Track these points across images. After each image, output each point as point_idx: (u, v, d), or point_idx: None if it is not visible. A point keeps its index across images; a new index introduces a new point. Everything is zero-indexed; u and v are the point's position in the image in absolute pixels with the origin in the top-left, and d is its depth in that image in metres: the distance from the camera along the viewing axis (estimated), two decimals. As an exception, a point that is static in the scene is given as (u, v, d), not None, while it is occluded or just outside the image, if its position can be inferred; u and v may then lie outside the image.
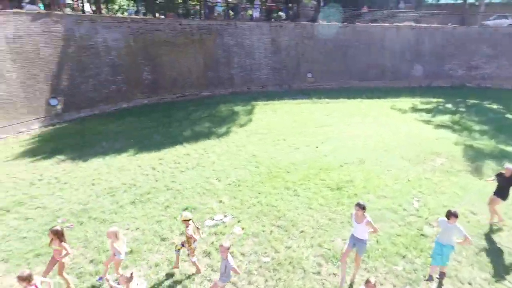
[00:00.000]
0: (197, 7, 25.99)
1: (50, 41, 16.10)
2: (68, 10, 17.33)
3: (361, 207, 6.30)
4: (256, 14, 24.97)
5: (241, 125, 16.86)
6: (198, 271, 6.80)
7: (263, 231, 8.30)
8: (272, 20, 24.62)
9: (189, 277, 6.76)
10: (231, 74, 23.52)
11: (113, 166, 11.86)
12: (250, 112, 19.28)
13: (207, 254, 7.41)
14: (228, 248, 5.67)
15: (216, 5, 23.96)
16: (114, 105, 18.93)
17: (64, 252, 6.05)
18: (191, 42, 21.49)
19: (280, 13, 26.98)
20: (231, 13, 26.17)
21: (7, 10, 14.64)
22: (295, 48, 24.28)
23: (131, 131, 15.65)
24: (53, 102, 16.35)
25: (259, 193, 10.13)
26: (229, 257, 5.73)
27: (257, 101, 21.29)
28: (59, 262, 6.06)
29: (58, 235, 5.95)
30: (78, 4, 17.91)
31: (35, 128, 15.43)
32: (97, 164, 12.01)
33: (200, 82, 22.45)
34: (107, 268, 6.43)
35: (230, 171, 11.62)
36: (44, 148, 13.40)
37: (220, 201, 9.67)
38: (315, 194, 10.11)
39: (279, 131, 15.78)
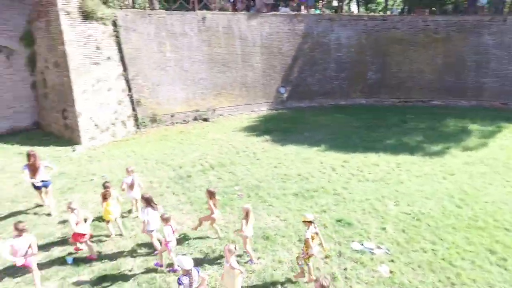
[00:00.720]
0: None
1: (292, 38, 18.60)
2: (313, 11, 19.28)
3: None
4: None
5: (466, 148, 13.12)
6: (310, 280, 6.13)
7: (418, 288, 6.25)
8: None
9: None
10: (481, 83, 18.48)
11: (300, 155, 12.48)
12: (489, 134, 14.62)
13: (333, 278, 6.47)
14: None
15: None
16: (332, 100, 19.65)
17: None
18: (432, 41, 18.47)
19: None
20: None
21: (267, 13, 18.11)
22: None
23: (334, 127, 15.80)
24: (282, 90, 19.04)
25: (441, 240, 7.63)
26: None
27: (509, 123, 15.77)
28: (210, 216, 7.27)
29: (210, 195, 7.08)
30: (323, 5, 19.54)
31: (263, 110, 18.67)
32: (289, 150, 13.04)
33: (433, 88, 19.14)
34: (245, 246, 7.00)
35: (416, 198, 9.42)
36: (260, 126, 16.02)
37: (383, 229, 8.07)
38: (539, 278, 6.44)
39: (524, 169, 11.04)
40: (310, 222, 5.97)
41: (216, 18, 16.91)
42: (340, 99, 19.77)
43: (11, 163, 11.61)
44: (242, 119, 17.39)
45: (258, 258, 7.00)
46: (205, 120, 17.11)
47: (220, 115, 17.76)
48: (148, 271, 6.56)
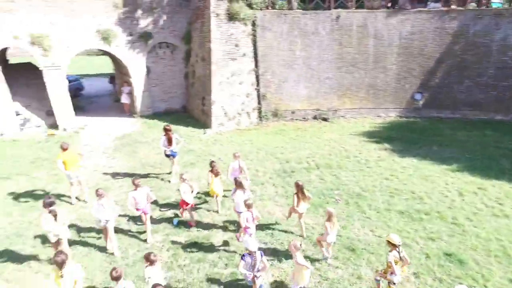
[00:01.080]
0: None
1: (439, 38, 16.12)
2: (472, 6, 16.02)
3: None
4: None
5: None
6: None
7: None
8: None
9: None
10: None
11: (421, 171, 10.90)
12: None
13: (419, 316, 5.55)
14: None
15: None
16: (483, 113, 16.16)
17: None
18: None
19: None
20: None
21: (410, 10, 16.24)
22: None
23: (476, 145, 13.04)
24: (417, 96, 16.84)
25: None
26: None
27: None
28: (294, 208, 7.34)
29: (296, 187, 7.15)
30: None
31: (391, 116, 17.00)
32: (408, 163, 11.57)
33: None
34: (319, 244, 6.84)
35: None
36: (382, 133, 14.70)
37: (511, 280, 6.33)
38: None
39: None
40: (395, 245, 5.29)
41: (351, 16, 16.32)
42: (496, 113, 16.01)
43: (161, 136, 14.48)
44: (364, 123, 16.34)
45: (336, 267, 6.66)
46: (325, 120, 16.91)
47: (341, 116, 17.19)
48: (230, 248, 7.19)
